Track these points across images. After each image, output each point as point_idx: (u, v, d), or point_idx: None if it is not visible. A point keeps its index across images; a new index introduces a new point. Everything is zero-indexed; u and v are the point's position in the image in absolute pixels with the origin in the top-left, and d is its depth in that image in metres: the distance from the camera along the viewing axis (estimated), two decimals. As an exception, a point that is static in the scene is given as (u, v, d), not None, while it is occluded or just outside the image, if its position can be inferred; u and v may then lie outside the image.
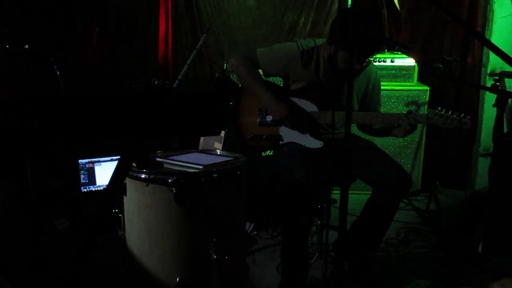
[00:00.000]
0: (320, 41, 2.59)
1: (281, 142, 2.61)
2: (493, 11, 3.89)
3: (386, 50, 4.06)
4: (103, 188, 3.22)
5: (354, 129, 2.71)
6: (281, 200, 2.47)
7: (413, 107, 3.92)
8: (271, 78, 2.76)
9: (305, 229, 2.49)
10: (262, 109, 2.61)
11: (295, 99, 2.56)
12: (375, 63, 3.87)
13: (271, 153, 3.17)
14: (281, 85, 2.75)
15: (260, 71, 2.65)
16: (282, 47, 2.60)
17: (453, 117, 2.35)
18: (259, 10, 4.42)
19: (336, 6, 4.30)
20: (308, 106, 2.55)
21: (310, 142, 2.57)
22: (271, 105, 2.53)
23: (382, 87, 4.01)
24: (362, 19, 2.30)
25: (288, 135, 2.60)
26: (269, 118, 2.62)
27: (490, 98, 3.93)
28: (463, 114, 2.35)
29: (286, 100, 2.55)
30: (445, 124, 2.37)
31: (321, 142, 2.56)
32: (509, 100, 3.43)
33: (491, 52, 3.77)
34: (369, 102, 2.66)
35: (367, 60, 2.57)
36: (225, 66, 3.97)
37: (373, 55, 2.48)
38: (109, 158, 3.25)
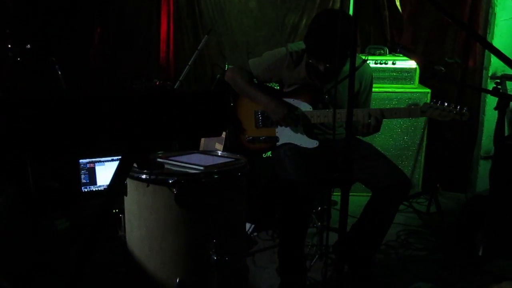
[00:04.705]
0: None
1: (277, 143, 2.63)
2: (494, 14, 3.88)
3: (387, 52, 4.07)
4: (104, 188, 3.22)
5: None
6: (278, 200, 2.48)
7: None
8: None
9: (300, 229, 2.50)
10: (258, 111, 2.64)
11: (289, 100, 2.59)
12: (376, 65, 3.89)
13: (272, 155, 3.18)
14: (277, 89, 2.78)
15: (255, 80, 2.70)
16: (272, 53, 2.68)
17: (449, 109, 2.34)
18: (260, 11, 4.41)
19: (337, 7, 4.29)
20: (302, 106, 2.56)
21: (306, 142, 2.58)
22: (270, 106, 2.56)
23: (383, 89, 4.00)
24: (320, 23, 2.39)
25: (284, 136, 2.62)
26: (265, 120, 2.63)
27: (491, 101, 3.93)
28: (459, 107, 2.33)
29: (282, 101, 2.58)
30: (441, 116, 2.36)
31: (317, 142, 2.57)
32: (510, 103, 3.42)
33: (492, 55, 3.77)
34: (358, 101, 2.65)
35: (363, 59, 2.58)
36: (226, 68, 3.97)
37: (343, 56, 2.39)
38: (110, 158, 3.25)
